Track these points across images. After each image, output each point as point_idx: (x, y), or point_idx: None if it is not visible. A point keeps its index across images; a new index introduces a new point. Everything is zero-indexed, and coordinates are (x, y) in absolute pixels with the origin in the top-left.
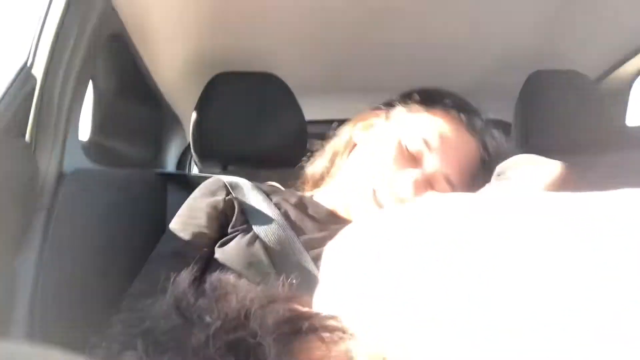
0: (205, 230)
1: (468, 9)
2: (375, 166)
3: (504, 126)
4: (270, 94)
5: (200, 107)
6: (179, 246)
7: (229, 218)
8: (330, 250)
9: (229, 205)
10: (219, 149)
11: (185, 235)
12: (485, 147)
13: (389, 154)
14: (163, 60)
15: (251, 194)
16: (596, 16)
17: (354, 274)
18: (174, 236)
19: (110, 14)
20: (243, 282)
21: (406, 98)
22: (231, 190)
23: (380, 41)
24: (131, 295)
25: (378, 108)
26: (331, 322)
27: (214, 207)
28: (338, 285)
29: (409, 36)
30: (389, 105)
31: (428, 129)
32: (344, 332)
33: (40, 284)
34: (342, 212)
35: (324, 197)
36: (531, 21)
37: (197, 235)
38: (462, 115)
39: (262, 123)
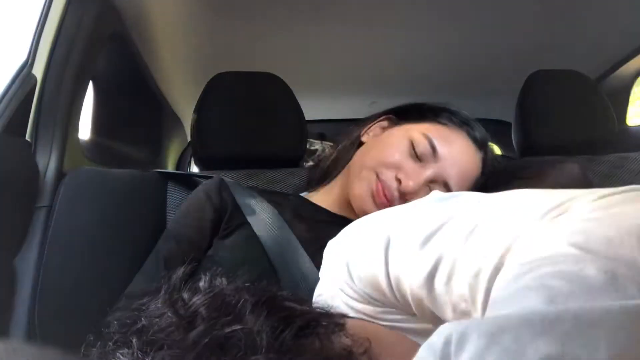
0: (194, 237)
1: (469, 9)
2: (384, 158)
3: (504, 126)
4: (270, 94)
5: (200, 107)
6: (172, 249)
7: (223, 217)
8: (331, 247)
9: (222, 205)
10: (219, 149)
11: (177, 239)
12: (485, 161)
13: (398, 151)
14: (163, 60)
15: (245, 194)
16: (596, 16)
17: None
18: (168, 239)
19: (110, 14)
20: (237, 281)
21: (415, 108)
22: (225, 190)
23: (381, 41)
24: (127, 296)
25: (387, 113)
26: (325, 317)
27: (204, 211)
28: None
29: (414, 38)
30: (399, 112)
31: (435, 136)
32: (338, 327)
33: (39, 282)
34: (338, 210)
35: (322, 196)
36: (531, 21)
37: (187, 240)
38: (467, 129)
39: (262, 123)
